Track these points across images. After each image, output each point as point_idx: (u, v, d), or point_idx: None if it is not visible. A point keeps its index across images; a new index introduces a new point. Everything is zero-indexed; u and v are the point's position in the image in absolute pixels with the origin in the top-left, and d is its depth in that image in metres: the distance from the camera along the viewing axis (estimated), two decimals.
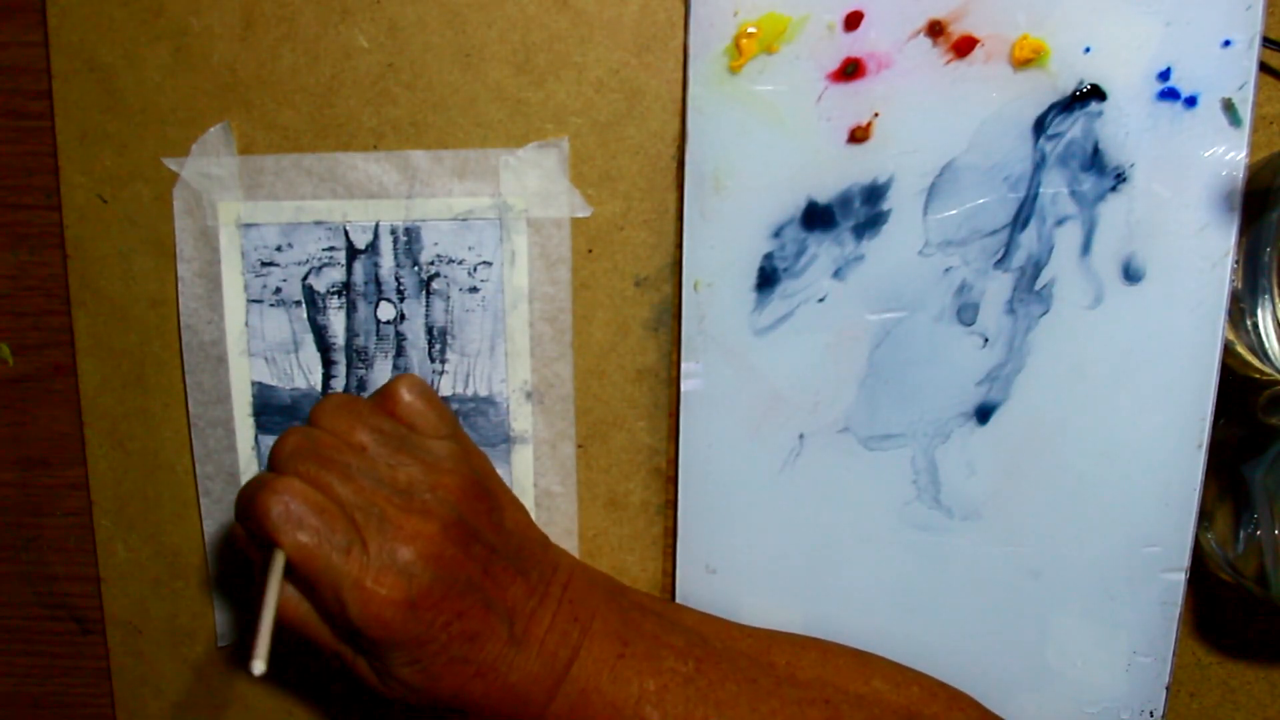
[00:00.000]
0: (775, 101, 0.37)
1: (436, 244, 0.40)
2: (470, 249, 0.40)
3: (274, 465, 0.34)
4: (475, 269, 0.40)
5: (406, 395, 0.36)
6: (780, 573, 0.41)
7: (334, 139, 0.40)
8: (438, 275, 0.41)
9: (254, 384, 0.42)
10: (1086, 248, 0.36)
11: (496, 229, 0.40)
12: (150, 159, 0.41)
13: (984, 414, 0.38)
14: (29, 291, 0.43)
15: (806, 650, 0.38)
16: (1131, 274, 0.36)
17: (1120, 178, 0.36)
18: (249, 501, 0.32)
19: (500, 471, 0.42)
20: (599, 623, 0.36)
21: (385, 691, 0.35)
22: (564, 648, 0.35)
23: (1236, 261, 0.36)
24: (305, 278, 0.41)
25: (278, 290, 0.41)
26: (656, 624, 0.37)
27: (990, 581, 0.39)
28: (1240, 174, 0.35)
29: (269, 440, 0.42)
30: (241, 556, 0.43)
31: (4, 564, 0.45)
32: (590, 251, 0.40)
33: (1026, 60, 0.35)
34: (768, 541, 0.40)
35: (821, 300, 0.38)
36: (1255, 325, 0.36)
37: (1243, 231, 0.35)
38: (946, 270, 0.38)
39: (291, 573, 0.32)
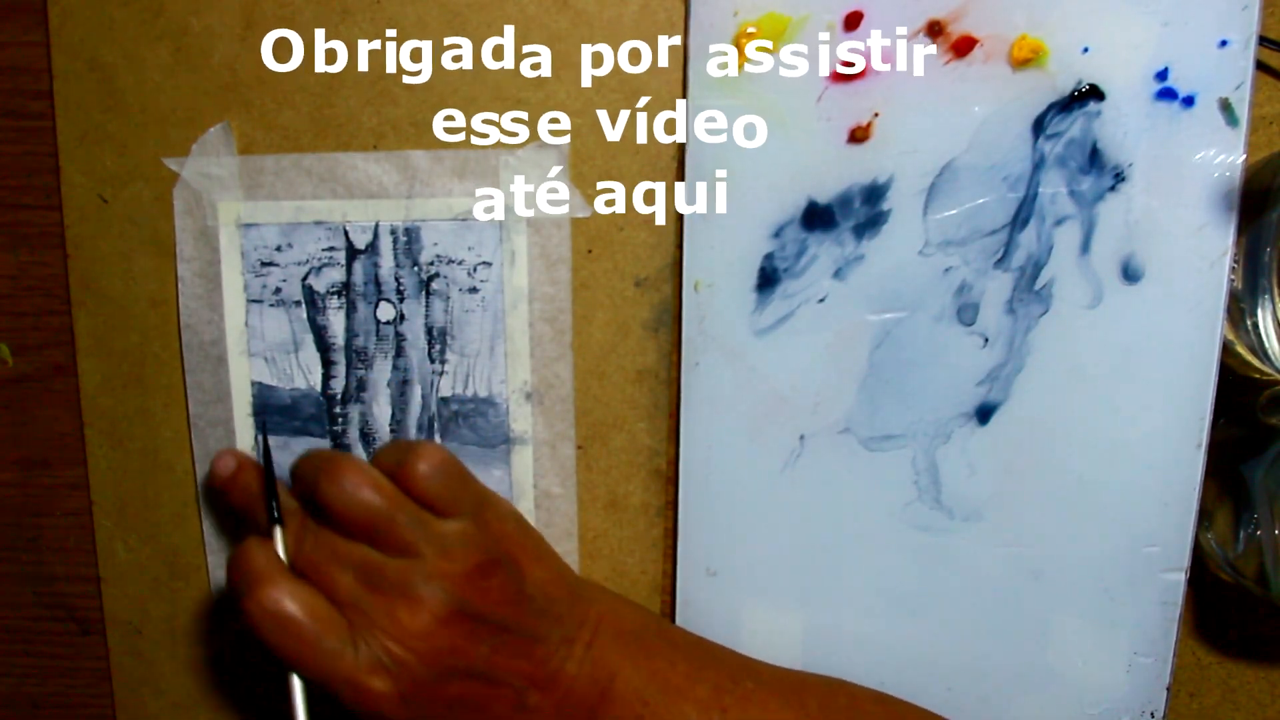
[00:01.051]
0: (775, 101, 0.37)
1: (436, 244, 0.40)
2: (470, 249, 0.40)
3: (285, 566, 0.34)
4: (475, 269, 0.40)
5: (424, 469, 0.35)
6: (781, 574, 0.41)
7: (334, 139, 0.40)
8: (437, 275, 0.41)
9: (254, 384, 0.42)
10: (1086, 247, 0.36)
11: (496, 229, 0.40)
12: (150, 159, 0.41)
13: (984, 414, 0.38)
14: (29, 291, 0.43)
15: (835, 696, 0.38)
16: (1130, 274, 0.36)
17: (1119, 177, 0.36)
18: (240, 595, 0.33)
19: (499, 473, 0.42)
20: (619, 683, 0.35)
21: None
22: (580, 712, 0.35)
23: (1236, 261, 0.36)
24: (305, 278, 0.41)
25: (278, 290, 0.41)
26: (684, 673, 0.36)
27: (990, 582, 0.39)
28: (1237, 174, 0.35)
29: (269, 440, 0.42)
30: None
31: (4, 564, 0.45)
32: (590, 251, 0.40)
33: (1025, 60, 0.35)
34: (768, 543, 0.40)
35: (822, 300, 0.38)
36: (1255, 325, 0.36)
37: (1241, 231, 0.35)
38: (946, 270, 0.38)
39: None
